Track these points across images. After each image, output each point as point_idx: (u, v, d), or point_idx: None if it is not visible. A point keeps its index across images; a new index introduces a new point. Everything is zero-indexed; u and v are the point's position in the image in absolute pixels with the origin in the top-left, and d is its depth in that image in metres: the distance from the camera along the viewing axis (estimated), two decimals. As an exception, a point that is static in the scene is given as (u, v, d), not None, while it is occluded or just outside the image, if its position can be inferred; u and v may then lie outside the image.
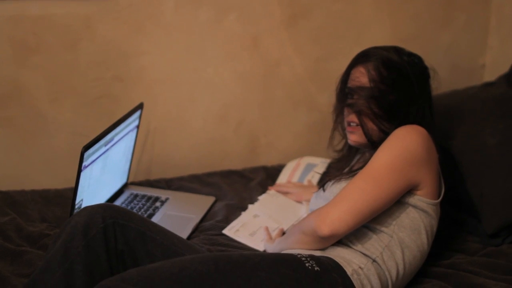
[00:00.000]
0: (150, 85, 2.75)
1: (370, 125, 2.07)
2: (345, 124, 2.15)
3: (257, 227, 2.37)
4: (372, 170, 1.92)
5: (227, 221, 2.42)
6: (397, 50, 2.11)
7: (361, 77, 2.08)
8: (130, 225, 1.87)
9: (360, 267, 1.86)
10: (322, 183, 2.18)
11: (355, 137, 2.11)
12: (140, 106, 2.54)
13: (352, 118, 2.10)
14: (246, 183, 2.74)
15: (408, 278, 2.00)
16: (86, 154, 2.09)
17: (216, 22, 2.76)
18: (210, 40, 2.77)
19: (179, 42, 2.74)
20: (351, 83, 2.12)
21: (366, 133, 2.07)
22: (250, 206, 2.52)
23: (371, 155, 2.04)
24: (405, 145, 1.95)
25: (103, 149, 2.24)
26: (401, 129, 1.99)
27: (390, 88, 2.05)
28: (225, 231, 2.35)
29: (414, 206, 1.98)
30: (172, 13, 2.69)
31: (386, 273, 1.90)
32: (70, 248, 1.77)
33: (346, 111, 2.13)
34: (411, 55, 2.13)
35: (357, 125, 2.09)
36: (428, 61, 2.16)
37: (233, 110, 2.91)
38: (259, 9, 2.80)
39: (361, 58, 2.12)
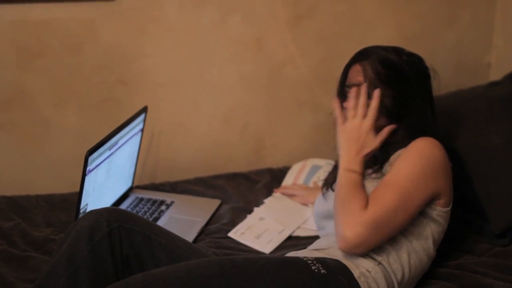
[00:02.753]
0: (154, 88, 2.74)
1: None
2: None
3: (263, 230, 2.36)
4: (399, 185, 1.90)
5: (233, 224, 2.41)
6: (396, 50, 2.10)
7: (358, 75, 2.08)
8: (136, 229, 1.86)
9: (368, 270, 1.85)
10: (327, 183, 2.15)
11: None
12: (144, 110, 2.53)
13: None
14: (252, 186, 2.73)
15: (414, 280, 1.98)
16: (90, 158, 2.08)
17: (220, 23, 2.75)
18: (214, 42, 2.76)
19: (183, 44, 2.73)
20: (348, 82, 2.11)
21: None
22: (255, 209, 2.51)
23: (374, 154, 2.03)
24: (425, 158, 1.94)
25: (108, 153, 2.24)
26: (418, 142, 1.97)
27: (386, 86, 2.04)
28: (231, 234, 2.34)
29: (424, 213, 1.97)
30: (175, 15, 2.68)
31: (392, 275, 1.89)
32: (75, 252, 1.76)
33: (344, 107, 2.12)
34: (411, 55, 2.11)
35: None
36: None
37: (237, 112, 2.90)
38: (263, 10, 2.79)
39: (359, 57, 2.11)
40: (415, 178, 1.91)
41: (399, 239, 1.93)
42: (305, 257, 1.83)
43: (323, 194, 2.15)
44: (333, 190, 2.08)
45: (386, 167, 2.01)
